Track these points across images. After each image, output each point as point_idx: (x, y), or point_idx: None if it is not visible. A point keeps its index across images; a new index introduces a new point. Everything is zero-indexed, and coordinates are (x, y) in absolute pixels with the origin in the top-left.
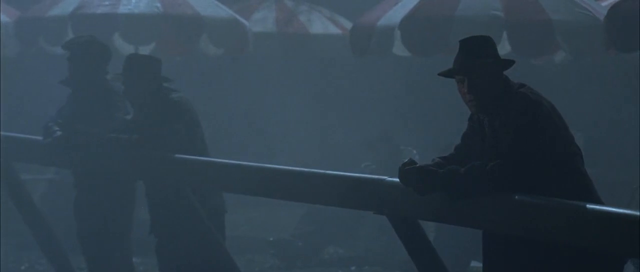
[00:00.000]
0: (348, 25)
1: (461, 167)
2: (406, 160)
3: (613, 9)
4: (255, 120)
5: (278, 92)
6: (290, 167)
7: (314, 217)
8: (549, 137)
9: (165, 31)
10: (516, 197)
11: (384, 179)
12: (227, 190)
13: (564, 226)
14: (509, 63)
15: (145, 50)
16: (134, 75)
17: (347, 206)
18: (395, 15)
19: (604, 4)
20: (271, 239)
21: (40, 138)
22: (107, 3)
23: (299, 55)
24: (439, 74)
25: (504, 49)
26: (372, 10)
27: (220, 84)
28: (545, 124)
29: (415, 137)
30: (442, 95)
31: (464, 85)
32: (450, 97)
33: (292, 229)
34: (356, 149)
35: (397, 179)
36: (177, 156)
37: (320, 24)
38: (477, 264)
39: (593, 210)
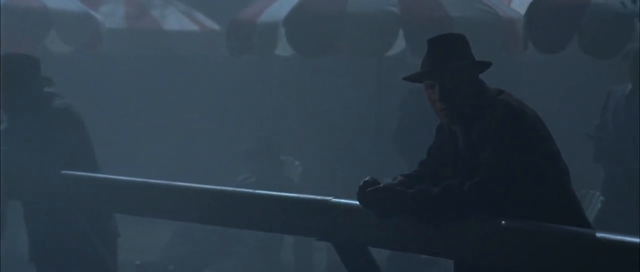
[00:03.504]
0: (206, 21)
1: (432, 186)
2: (368, 178)
3: (533, 5)
4: (104, 127)
5: (130, 95)
6: (216, 187)
7: (187, 236)
8: (535, 151)
9: (7, 26)
10: (503, 222)
11: (329, 200)
12: (129, 212)
13: (564, 256)
14: (485, 65)
15: None
16: (7, 78)
17: (285, 231)
18: (278, 10)
19: None
20: (138, 262)
21: None
22: None
23: (152, 53)
24: (404, 79)
25: (399, 47)
26: (252, 4)
27: (64, 85)
28: (530, 136)
29: (299, 146)
30: (330, 99)
31: (435, 92)
32: (339, 102)
33: (161, 250)
34: (230, 160)
35: (343, 200)
36: (63, 172)
37: (175, 20)
38: None
39: (600, 239)
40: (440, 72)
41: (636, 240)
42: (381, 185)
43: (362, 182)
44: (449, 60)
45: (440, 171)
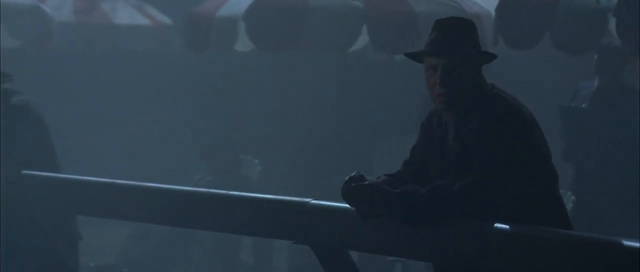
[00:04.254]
0: (158, 15)
1: (418, 186)
2: (354, 174)
3: (504, 0)
4: (55, 124)
5: (81, 91)
6: (189, 188)
7: (142, 238)
8: (530, 154)
9: None
10: (495, 225)
11: (308, 202)
12: (93, 214)
13: (556, 261)
14: (491, 57)
15: None
16: None
17: (261, 234)
18: (238, 3)
19: None
20: (92, 265)
21: None
22: None
23: (102, 48)
24: (405, 54)
25: (361, 43)
26: None
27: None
28: (526, 138)
29: (258, 144)
30: (291, 96)
31: (436, 74)
32: (300, 98)
33: (116, 252)
34: (186, 158)
35: (322, 202)
36: (24, 172)
37: (125, 14)
38: None
39: (596, 242)
40: (449, 52)
41: (635, 244)
42: (367, 182)
43: (347, 177)
44: (459, 43)
45: (424, 170)
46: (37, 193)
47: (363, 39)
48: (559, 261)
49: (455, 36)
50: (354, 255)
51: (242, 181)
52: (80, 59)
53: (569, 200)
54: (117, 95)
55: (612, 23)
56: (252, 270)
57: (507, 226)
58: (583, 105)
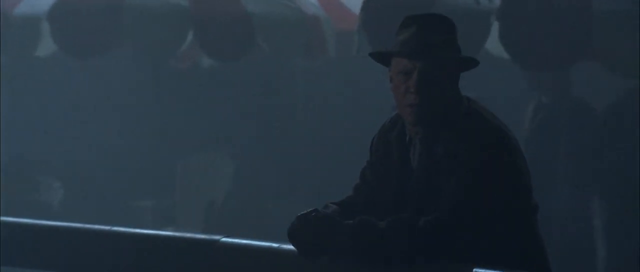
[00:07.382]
0: None
1: (375, 218)
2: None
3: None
4: None
5: None
6: (71, 224)
7: None
8: (510, 187)
9: None
10: (467, 267)
11: (217, 240)
12: None
13: None
14: (473, 63)
15: None
16: None
17: None
18: (39, 0)
19: None
20: None
21: None
22: None
23: None
24: (371, 55)
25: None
26: None
27: None
28: (508, 166)
29: (61, 164)
30: (102, 107)
31: (409, 81)
32: (115, 109)
33: None
34: None
35: (237, 240)
36: None
37: None
38: None
39: None
40: (428, 54)
41: None
42: (312, 211)
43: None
44: (439, 45)
45: (378, 196)
46: None
47: (188, 43)
48: None
49: (435, 36)
50: None
51: (41, 207)
52: None
53: None
54: None
55: (495, 27)
56: None
57: (481, 269)
58: None
